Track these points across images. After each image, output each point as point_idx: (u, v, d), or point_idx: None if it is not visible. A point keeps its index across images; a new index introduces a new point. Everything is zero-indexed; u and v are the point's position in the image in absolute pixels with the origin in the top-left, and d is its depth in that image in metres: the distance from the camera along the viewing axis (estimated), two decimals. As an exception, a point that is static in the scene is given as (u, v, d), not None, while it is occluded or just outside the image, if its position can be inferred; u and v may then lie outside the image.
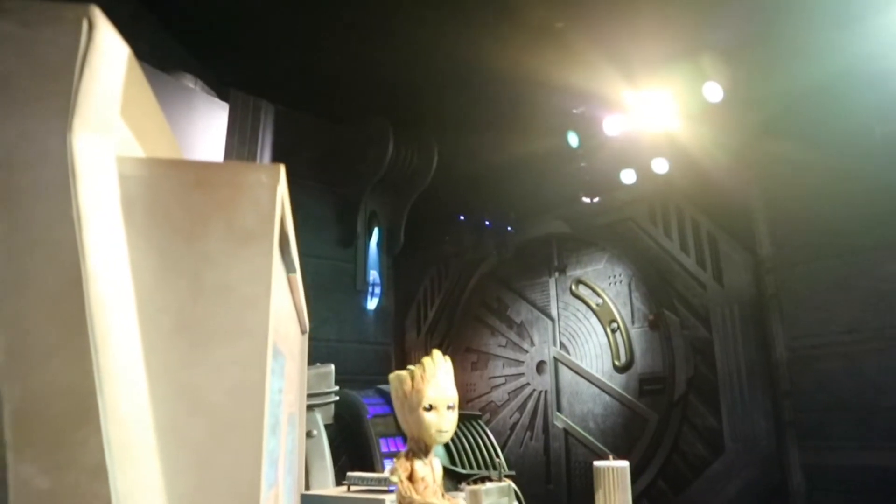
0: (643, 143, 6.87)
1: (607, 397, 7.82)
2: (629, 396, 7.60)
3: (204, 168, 1.10)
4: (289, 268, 1.61)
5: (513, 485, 3.00)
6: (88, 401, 0.84)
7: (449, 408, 2.38)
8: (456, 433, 2.64)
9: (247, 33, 7.18)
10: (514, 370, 8.96)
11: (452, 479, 5.90)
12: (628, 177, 7.25)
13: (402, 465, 2.32)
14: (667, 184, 7.22)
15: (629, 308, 7.81)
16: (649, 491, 7.17)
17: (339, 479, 4.84)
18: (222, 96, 7.56)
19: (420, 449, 2.36)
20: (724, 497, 6.56)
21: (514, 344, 9.02)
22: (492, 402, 9.09)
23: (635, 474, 6.72)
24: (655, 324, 7.46)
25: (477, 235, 9.42)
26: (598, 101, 6.84)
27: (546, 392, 8.47)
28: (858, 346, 5.88)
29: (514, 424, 8.74)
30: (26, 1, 0.88)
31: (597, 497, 3.00)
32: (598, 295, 8.10)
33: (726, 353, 6.78)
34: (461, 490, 2.90)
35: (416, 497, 2.26)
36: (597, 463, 3.07)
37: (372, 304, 9.63)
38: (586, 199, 7.80)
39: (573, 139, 7.31)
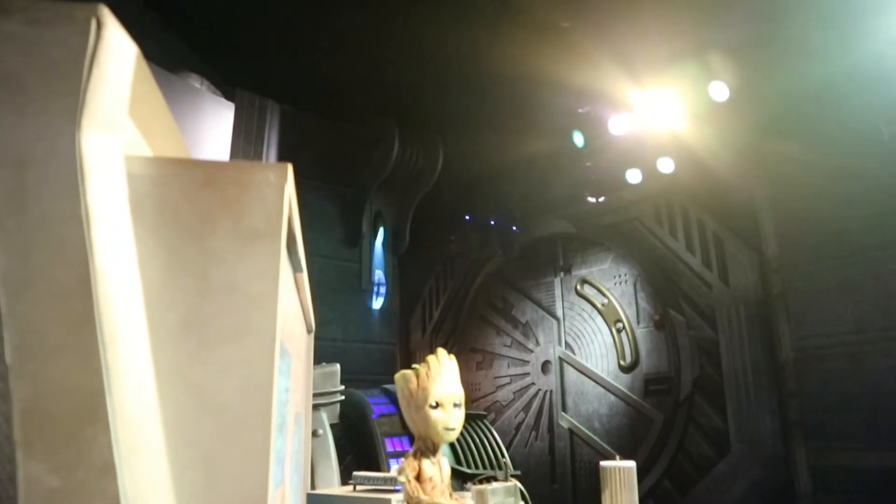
0: (649, 142, 6.85)
1: (612, 397, 7.80)
2: (634, 396, 7.58)
3: (212, 167, 1.10)
4: (296, 267, 1.61)
5: (519, 484, 3.00)
6: (97, 399, 0.84)
7: (455, 405, 2.38)
8: (461, 433, 2.64)
9: (253, 33, 7.19)
10: (519, 370, 8.95)
11: (458, 479, 5.90)
12: (634, 176, 7.23)
13: (410, 465, 2.32)
14: (672, 183, 7.20)
15: (634, 308, 7.79)
16: (655, 491, 7.15)
17: (345, 478, 4.84)
18: (228, 96, 7.58)
19: (428, 448, 2.36)
20: (730, 497, 6.54)
21: (520, 344, 9.01)
22: (497, 401, 9.09)
23: (640, 474, 6.67)
24: (661, 324, 7.44)
25: (482, 235, 9.41)
26: (603, 100, 6.83)
27: (551, 392, 8.46)
28: (865, 347, 5.85)
29: (520, 424, 8.73)
30: (35, 0, 0.88)
31: (603, 497, 2.99)
32: (604, 295, 8.09)
33: (732, 353, 6.75)
34: (467, 490, 2.90)
35: (423, 497, 2.26)
36: (603, 463, 3.07)
37: (377, 303, 9.63)
38: (592, 199, 7.79)
39: (579, 139, 7.29)
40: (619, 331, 7.87)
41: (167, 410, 0.97)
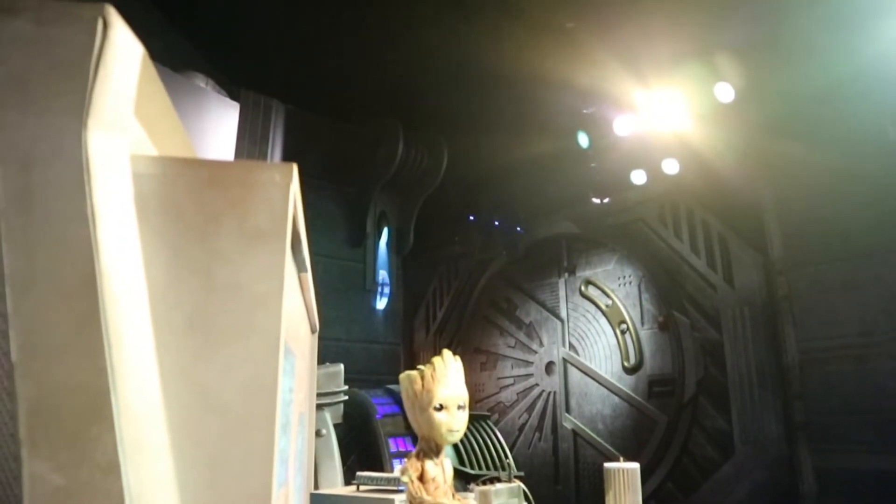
0: (654, 143, 6.84)
1: (616, 399, 7.79)
2: (638, 398, 7.57)
3: (217, 167, 1.10)
4: (300, 267, 1.61)
5: (522, 486, 3.00)
6: (102, 398, 0.84)
7: (459, 407, 2.37)
8: (465, 433, 2.64)
9: (258, 33, 7.21)
10: (522, 371, 8.94)
11: (461, 480, 5.90)
12: (638, 177, 7.22)
13: (413, 466, 2.31)
14: (677, 184, 7.19)
15: (639, 309, 7.78)
16: (658, 493, 7.14)
17: (348, 478, 4.85)
18: (233, 96, 7.58)
19: (431, 449, 2.36)
20: (734, 499, 6.53)
21: (523, 345, 9.00)
22: (500, 402, 9.08)
23: (644, 476, 6.65)
24: (665, 325, 7.43)
25: (486, 236, 9.41)
26: (608, 101, 6.82)
27: (555, 393, 8.45)
28: (870, 349, 5.83)
29: (523, 425, 8.72)
30: (41, 0, 0.88)
31: (607, 498, 2.99)
32: (608, 296, 8.08)
33: (736, 354, 6.74)
34: (471, 490, 2.90)
35: (426, 497, 2.25)
36: (607, 465, 3.07)
37: (381, 303, 9.64)
38: (596, 200, 7.78)
39: (583, 139, 7.29)
40: (623, 332, 7.85)
41: (171, 409, 0.97)
